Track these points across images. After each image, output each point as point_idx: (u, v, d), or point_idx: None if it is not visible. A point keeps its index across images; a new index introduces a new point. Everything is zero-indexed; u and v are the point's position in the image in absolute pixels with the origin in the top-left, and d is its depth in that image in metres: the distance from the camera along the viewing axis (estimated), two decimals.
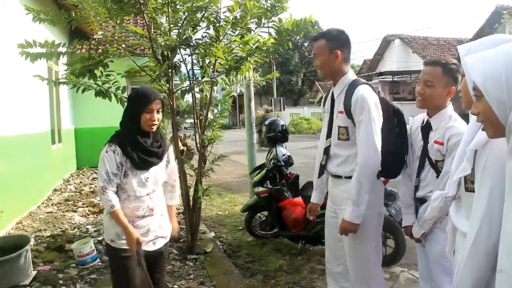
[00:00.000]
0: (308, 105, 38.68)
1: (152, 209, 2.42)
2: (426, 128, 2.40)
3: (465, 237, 1.48)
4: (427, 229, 2.31)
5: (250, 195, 6.35)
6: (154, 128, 2.36)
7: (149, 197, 2.40)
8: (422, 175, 2.40)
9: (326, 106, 2.69)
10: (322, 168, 2.69)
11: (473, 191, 1.46)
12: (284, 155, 4.72)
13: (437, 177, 2.29)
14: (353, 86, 2.47)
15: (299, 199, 4.46)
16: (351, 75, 2.55)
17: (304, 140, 20.74)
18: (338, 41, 2.49)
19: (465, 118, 2.39)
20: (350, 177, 2.47)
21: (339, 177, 2.57)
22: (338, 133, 2.53)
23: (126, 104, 2.47)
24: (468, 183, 1.53)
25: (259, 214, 4.99)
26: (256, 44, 3.79)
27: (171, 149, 2.62)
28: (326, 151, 2.63)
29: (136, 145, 2.32)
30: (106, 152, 2.29)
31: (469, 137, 1.58)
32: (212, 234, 5.18)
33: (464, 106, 1.71)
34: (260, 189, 4.67)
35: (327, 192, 2.82)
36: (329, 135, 2.61)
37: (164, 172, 2.54)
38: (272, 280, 3.79)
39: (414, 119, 2.56)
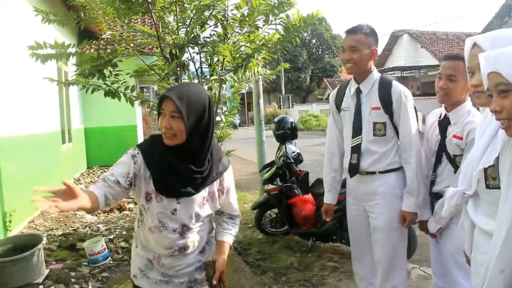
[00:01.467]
0: (316, 102, 38.48)
1: (184, 248, 1.81)
2: (444, 123, 2.38)
3: (485, 234, 1.44)
4: (444, 224, 2.31)
5: (260, 192, 6.34)
6: (171, 140, 1.66)
7: (178, 233, 1.78)
8: (438, 170, 2.39)
9: (346, 104, 2.65)
10: (355, 167, 2.58)
11: (495, 188, 1.42)
12: (293, 152, 4.70)
13: (455, 172, 2.28)
14: (385, 82, 2.54)
15: (309, 196, 4.46)
16: (376, 73, 2.59)
17: (313, 137, 20.65)
18: (375, 38, 2.54)
19: None
20: (384, 172, 2.51)
21: (372, 173, 2.55)
22: (374, 129, 2.51)
23: None
24: (490, 180, 1.48)
25: (269, 212, 4.99)
26: (262, 41, 3.77)
27: (228, 176, 1.87)
28: (356, 149, 2.56)
29: (163, 159, 1.71)
30: (126, 153, 1.76)
31: (492, 127, 1.52)
32: None
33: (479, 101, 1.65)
34: (270, 186, 4.67)
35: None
36: (357, 132, 2.57)
37: (208, 206, 1.83)
38: (283, 278, 3.79)
39: (431, 113, 2.56)
